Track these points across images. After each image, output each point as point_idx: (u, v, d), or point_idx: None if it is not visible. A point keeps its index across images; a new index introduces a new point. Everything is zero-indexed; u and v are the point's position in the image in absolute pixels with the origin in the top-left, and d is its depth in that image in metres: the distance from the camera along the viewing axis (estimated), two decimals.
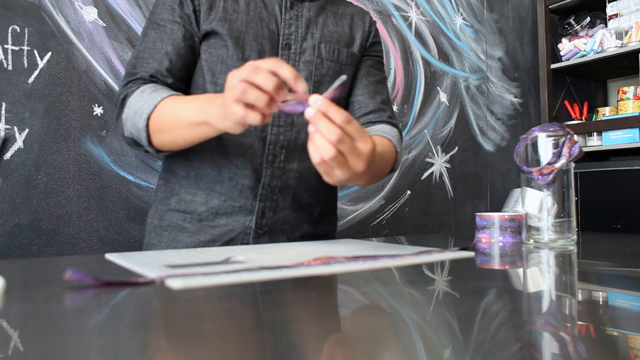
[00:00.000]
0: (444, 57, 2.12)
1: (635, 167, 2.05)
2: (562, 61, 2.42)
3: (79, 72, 1.31)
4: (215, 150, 0.90)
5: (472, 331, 0.35)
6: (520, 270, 0.64)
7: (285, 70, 0.61)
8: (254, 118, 0.63)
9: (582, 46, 2.35)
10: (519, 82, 2.41)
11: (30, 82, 1.24)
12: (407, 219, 1.96)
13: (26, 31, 1.24)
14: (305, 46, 0.94)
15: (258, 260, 0.61)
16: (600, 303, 0.47)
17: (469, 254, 0.71)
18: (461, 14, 2.19)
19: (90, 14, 1.33)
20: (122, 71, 1.35)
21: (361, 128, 0.62)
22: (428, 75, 2.05)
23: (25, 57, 1.24)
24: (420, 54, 2.03)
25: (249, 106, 0.63)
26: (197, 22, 0.90)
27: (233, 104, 0.64)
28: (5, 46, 1.21)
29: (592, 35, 2.39)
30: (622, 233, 1.94)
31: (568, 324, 0.39)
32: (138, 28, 1.39)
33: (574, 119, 2.47)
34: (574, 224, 0.81)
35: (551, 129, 0.81)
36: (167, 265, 0.57)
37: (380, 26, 1.90)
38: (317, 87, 0.95)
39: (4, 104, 1.20)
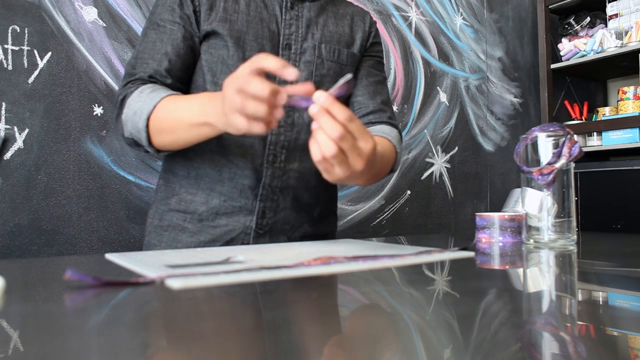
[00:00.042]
0: (444, 57, 2.12)
1: (635, 167, 2.05)
2: (562, 61, 2.42)
3: (79, 72, 1.31)
4: (215, 150, 0.90)
5: (472, 331, 0.35)
6: (520, 270, 0.64)
7: (271, 62, 0.61)
8: (259, 128, 0.63)
9: (582, 46, 2.35)
10: (519, 82, 2.41)
11: (30, 82, 1.24)
12: (407, 219, 1.96)
13: (26, 31, 1.24)
14: (305, 46, 0.94)
15: (258, 260, 0.61)
16: (600, 303, 0.47)
17: (469, 254, 0.71)
18: (461, 14, 2.19)
19: (90, 14, 1.33)
20: (122, 71, 1.35)
21: (363, 127, 0.62)
22: (428, 75, 2.05)
23: (25, 57, 1.24)
24: (420, 54, 2.03)
25: (251, 117, 0.63)
26: (197, 22, 0.90)
27: (235, 116, 0.63)
28: (5, 46, 1.21)
29: (592, 35, 2.39)
30: (622, 233, 1.94)
31: (568, 324, 0.39)
32: (138, 28, 1.39)
33: (574, 119, 2.47)
34: (574, 224, 0.81)
35: (551, 129, 0.81)
36: (167, 265, 0.57)
37: (380, 26, 1.90)
38: (317, 88, 0.94)
39: (4, 104, 1.20)
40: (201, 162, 0.91)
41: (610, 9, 2.33)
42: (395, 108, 1.93)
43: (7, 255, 1.19)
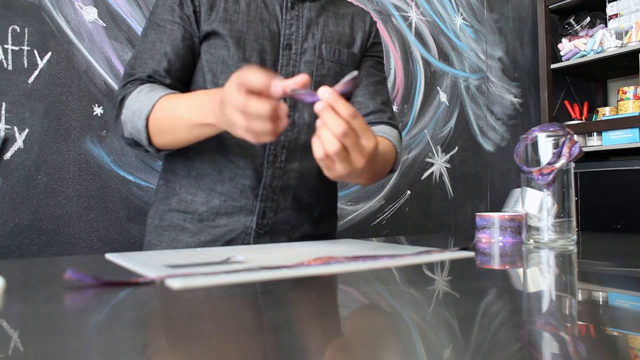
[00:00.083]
0: (444, 57, 2.12)
1: (635, 167, 2.05)
2: (562, 61, 2.42)
3: (79, 72, 1.31)
4: (215, 150, 0.90)
5: (472, 331, 0.35)
6: (520, 270, 0.64)
7: (255, 81, 0.60)
8: (266, 139, 0.63)
9: (582, 46, 2.35)
10: (519, 82, 2.41)
11: (30, 82, 1.24)
12: (407, 219, 1.96)
13: (26, 31, 1.24)
14: (306, 46, 0.94)
15: (258, 260, 0.61)
16: (600, 303, 0.47)
17: (469, 254, 0.71)
18: (461, 14, 2.19)
19: (90, 14, 1.33)
20: (122, 71, 1.35)
21: (366, 125, 0.62)
22: (428, 75, 2.05)
23: (25, 57, 1.24)
24: (420, 54, 2.03)
25: (258, 133, 0.63)
26: (198, 22, 0.90)
27: (241, 132, 0.64)
28: (5, 46, 1.21)
29: (592, 35, 2.39)
30: (622, 233, 1.94)
31: (568, 324, 0.39)
32: (138, 28, 1.39)
33: (574, 119, 2.47)
34: (574, 224, 0.81)
35: (551, 129, 0.81)
36: (167, 265, 0.57)
37: (380, 26, 1.90)
38: (317, 88, 0.95)
39: (4, 104, 1.20)
40: (201, 162, 0.91)
41: (610, 9, 2.33)
42: (395, 108, 1.93)
43: (7, 255, 1.19)
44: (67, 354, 0.30)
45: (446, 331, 0.35)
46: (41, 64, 1.26)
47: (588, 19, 2.43)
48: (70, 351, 0.30)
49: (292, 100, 0.91)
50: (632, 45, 2.18)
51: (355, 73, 0.60)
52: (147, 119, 0.81)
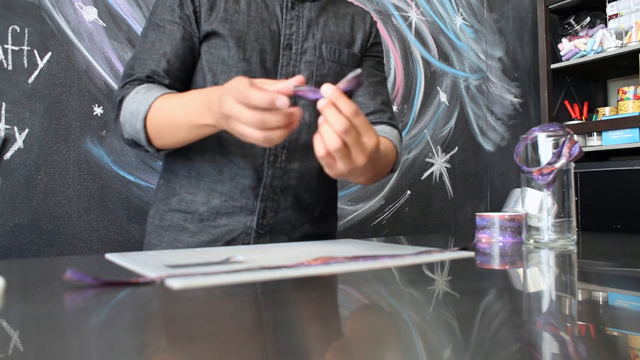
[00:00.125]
0: (444, 57, 2.12)
1: (635, 167, 2.05)
2: (562, 61, 2.42)
3: (79, 72, 1.31)
4: (216, 150, 0.90)
5: (472, 331, 0.35)
6: (520, 270, 0.64)
7: (259, 100, 0.61)
8: (279, 141, 0.63)
9: (582, 46, 2.35)
10: (519, 82, 2.42)
11: (30, 82, 1.24)
12: (407, 219, 1.96)
13: (26, 31, 1.24)
14: (306, 46, 0.94)
15: (258, 260, 0.61)
16: (600, 303, 0.47)
17: (469, 254, 0.71)
18: (461, 14, 2.19)
19: (90, 14, 1.33)
20: (122, 71, 1.35)
21: (367, 123, 0.62)
22: (428, 75, 2.05)
23: (25, 57, 1.24)
24: (420, 54, 2.03)
25: (271, 127, 0.63)
26: (198, 22, 0.90)
27: (257, 142, 0.64)
28: (5, 46, 1.21)
29: (592, 35, 2.39)
30: (622, 233, 1.94)
31: (568, 324, 0.39)
32: (138, 28, 1.39)
33: (574, 119, 2.47)
34: (574, 224, 0.81)
35: (551, 129, 0.81)
36: (167, 265, 0.57)
37: (380, 26, 1.90)
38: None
39: (4, 104, 1.20)
40: (202, 162, 0.91)
41: (610, 9, 2.33)
42: (395, 108, 1.93)
43: (7, 255, 1.19)
44: (67, 354, 0.30)
45: (446, 331, 0.35)
46: (41, 64, 1.26)
47: (588, 19, 2.43)
48: (70, 351, 0.30)
49: (293, 100, 0.91)
50: (632, 45, 2.18)
51: (358, 71, 0.60)
52: (145, 119, 0.81)
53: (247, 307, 0.43)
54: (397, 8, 1.98)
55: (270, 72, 0.91)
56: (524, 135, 0.84)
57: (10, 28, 1.22)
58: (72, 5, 1.31)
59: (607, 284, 0.56)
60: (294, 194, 0.94)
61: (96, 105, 1.32)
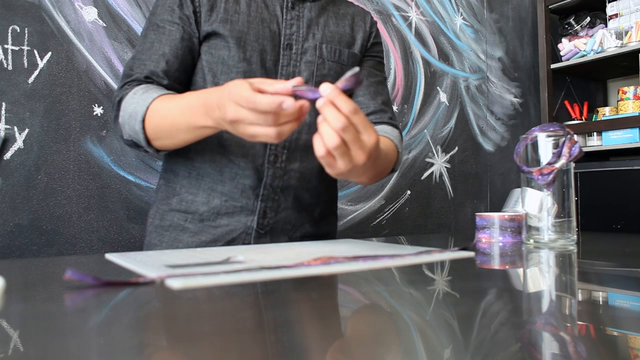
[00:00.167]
0: (444, 57, 2.12)
1: (635, 167, 2.05)
2: (562, 61, 2.42)
3: (79, 72, 1.31)
4: (216, 150, 0.90)
5: (472, 331, 0.35)
6: (520, 270, 0.64)
7: (266, 105, 0.62)
8: (291, 127, 0.64)
9: (582, 46, 2.35)
10: (519, 82, 2.41)
11: (30, 82, 1.24)
12: (407, 219, 1.96)
13: (26, 31, 1.24)
14: (306, 46, 0.94)
15: (258, 260, 0.61)
16: (600, 303, 0.47)
17: (469, 254, 0.71)
18: (461, 14, 2.19)
19: (90, 14, 1.33)
20: (122, 71, 1.35)
21: (367, 121, 0.62)
22: (428, 75, 2.05)
23: (25, 57, 1.24)
24: (420, 54, 2.03)
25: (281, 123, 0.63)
26: (198, 23, 0.90)
27: (268, 140, 0.64)
28: (5, 46, 1.21)
29: (592, 35, 2.39)
30: (622, 233, 1.94)
31: (568, 324, 0.39)
32: (138, 28, 1.39)
33: (574, 119, 2.47)
34: (574, 224, 0.81)
35: (551, 129, 0.81)
36: (167, 265, 0.57)
37: (380, 26, 1.90)
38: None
39: (4, 104, 1.20)
40: (202, 162, 0.91)
41: (610, 9, 2.33)
42: (395, 108, 1.93)
43: (7, 255, 1.19)
44: (67, 354, 0.30)
45: (446, 331, 0.35)
46: (41, 64, 1.26)
47: (588, 19, 2.43)
48: (70, 351, 0.30)
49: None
50: (632, 45, 2.18)
51: (356, 69, 0.60)
52: (143, 121, 0.81)
53: (247, 307, 0.43)
54: (397, 8, 1.98)
55: (271, 72, 0.91)
56: (524, 135, 0.84)
57: (10, 28, 1.22)
58: (72, 5, 1.31)
59: (607, 284, 0.56)
60: (294, 194, 0.94)
61: (96, 105, 1.32)
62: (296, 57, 0.93)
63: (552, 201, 0.80)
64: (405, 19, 2.00)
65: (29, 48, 1.24)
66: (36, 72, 1.25)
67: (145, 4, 1.41)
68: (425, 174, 2.02)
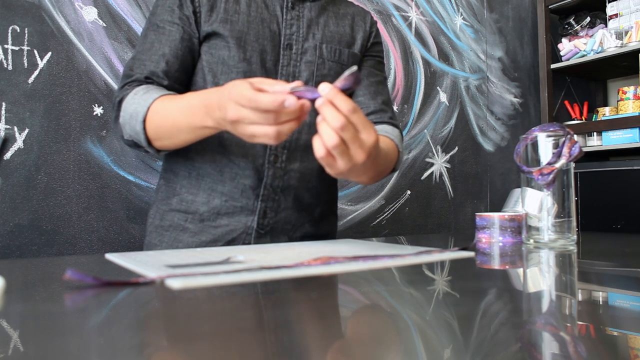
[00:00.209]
0: (444, 57, 2.12)
1: (635, 167, 2.05)
2: (562, 61, 2.42)
3: (79, 72, 1.31)
4: (216, 150, 0.90)
5: (472, 331, 0.35)
6: (520, 270, 0.64)
7: (267, 103, 0.62)
8: (290, 127, 0.64)
9: (582, 46, 2.35)
10: (519, 82, 2.41)
11: (30, 82, 1.24)
12: (407, 219, 1.96)
13: (26, 31, 1.24)
14: (306, 46, 0.94)
15: (258, 260, 0.61)
16: (600, 303, 0.47)
17: (469, 254, 0.71)
18: (461, 14, 2.19)
19: (90, 14, 1.33)
20: (122, 72, 1.35)
21: (366, 120, 0.62)
22: (428, 75, 2.05)
23: (25, 57, 1.24)
24: (420, 54, 2.03)
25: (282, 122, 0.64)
26: (198, 23, 0.90)
27: (268, 141, 0.64)
28: (5, 46, 1.21)
29: (592, 35, 2.39)
30: (622, 233, 1.94)
31: (568, 324, 0.39)
32: (138, 28, 1.39)
33: (574, 119, 2.47)
34: (574, 224, 0.81)
35: (551, 129, 0.81)
36: (167, 265, 0.57)
37: (380, 26, 1.90)
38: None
39: (4, 104, 1.20)
40: (202, 162, 0.91)
41: (610, 9, 2.33)
42: (395, 108, 1.92)
43: (7, 255, 1.19)
44: (67, 354, 0.30)
45: (446, 331, 0.35)
46: (41, 64, 1.26)
47: (588, 19, 2.43)
48: (70, 351, 0.30)
49: None
50: (632, 45, 2.18)
51: (354, 68, 0.60)
52: (144, 121, 0.81)
53: (247, 307, 0.43)
54: (397, 8, 1.98)
55: (271, 72, 0.91)
56: (524, 135, 0.84)
57: (10, 28, 1.22)
58: (72, 5, 1.31)
59: (607, 284, 0.56)
60: (294, 194, 0.94)
61: (96, 105, 1.32)
62: (296, 57, 0.93)
63: (552, 201, 0.80)
64: (405, 19, 2.00)
65: (29, 48, 1.24)
66: (36, 72, 1.25)
67: (145, 4, 1.41)
68: (425, 174, 2.02)
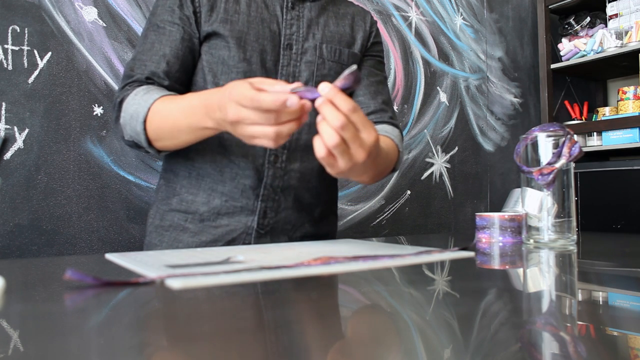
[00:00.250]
0: (444, 57, 2.12)
1: (635, 167, 2.05)
2: (562, 61, 2.42)
3: (79, 72, 1.31)
4: (216, 150, 0.90)
5: (472, 331, 0.35)
6: (520, 270, 0.64)
7: (269, 103, 0.61)
8: (290, 128, 0.63)
9: (582, 46, 2.35)
10: (519, 82, 2.41)
11: (30, 82, 1.24)
12: (407, 219, 1.96)
13: (26, 31, 1.24)
14: (306, 46, 0.94)
15: (258, 260, 0.61)
16: (600, 303, 0.47)
17: (469, 254, 0.71)
18: (461, 14, 2.19)
19: (90, 14, 1.33)
20: (122, 71, 1.35)
21: (366, 119, 0.62)
22: (428, 75, 2.05)
23: (25, 57, 1.24)
24: (420, 54, 2.03)
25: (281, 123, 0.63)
26: (198, 23, 0.90)
27: (267, 142, 0.64)
28: (5, 46, 1.21)
29: (592, 35, 2.39)
30: (622, 233, 1.93)
31: (568, 324, 0.39)
32: (138, 28, 1.39)
33: (574, 119, 2.47)
34: (574, 224, 0.81)
35: (551, 129, 0.81)
36: (167, 265, 0.57)
37: (380, 26, 1.90)
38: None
39: (4, 104, 1.20)
40: (202, 162, 0.91)
41: (610, 9, 2.33)
42: (395, 108, 1.92)
43: (7, 255, 1.19)
44: (67, 354, 0.30)
45: (446, 331, 0.35)
46: (41, 64, 1.26)
47: (588, 19, 2.43)
48: (70, 351, 0.30)
49: None
50: (632, 45, 2.18)
51: (354, 67, 0.60)
52: (144, 122, 0.81)
53: (247, 307, 0.43)
54: (397, 8, 1.98)
55: (271, 72, 0.91)
56: (524, 135, 0.84)
57: (10, 28, 1.22)
58: (72, 5, 1.31)
59: (607, 284, 0.56)
60: (294, 194, 0.94)
61: (96, 105, 1.32)
62: (296, 57, 0.93)
63: (552, 201, 0.80)
64: (405, 19, 2.00)
65: (29, 48, 1.24)
66: (36, 72, 1.25)
67: (145, 4, 1.41)
68: (425, 174, 2.02)
